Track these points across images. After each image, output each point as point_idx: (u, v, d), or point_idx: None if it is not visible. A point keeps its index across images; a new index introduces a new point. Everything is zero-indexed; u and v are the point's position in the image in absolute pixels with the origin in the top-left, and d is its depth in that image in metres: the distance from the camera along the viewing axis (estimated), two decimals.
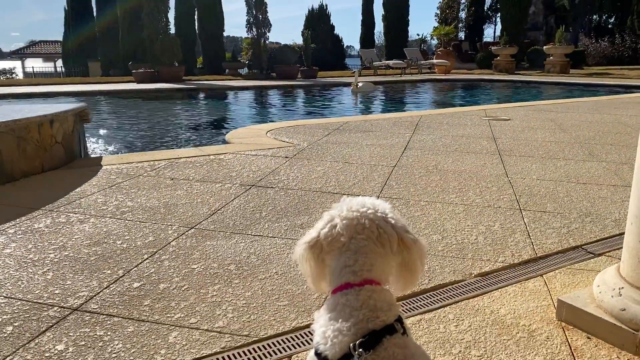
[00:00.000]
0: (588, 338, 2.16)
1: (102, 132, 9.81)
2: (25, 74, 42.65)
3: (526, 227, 3.49)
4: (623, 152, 5.95)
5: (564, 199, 4.14)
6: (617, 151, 6.03)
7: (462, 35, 37.24)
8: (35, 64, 46.39)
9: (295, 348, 2.11)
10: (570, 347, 2.10)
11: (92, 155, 6.82)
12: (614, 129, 7.66)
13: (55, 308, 2.41)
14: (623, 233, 2.31)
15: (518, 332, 2.21)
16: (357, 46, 38.54)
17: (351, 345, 1.10)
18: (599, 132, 7.36)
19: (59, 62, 40.66)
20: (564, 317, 2.29)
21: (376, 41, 39.71)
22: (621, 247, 2.28)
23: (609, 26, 33.08)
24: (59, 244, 3.19)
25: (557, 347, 2.10)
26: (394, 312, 1.20)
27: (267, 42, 26.38)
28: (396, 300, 1.25)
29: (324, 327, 1.18)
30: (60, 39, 37.53)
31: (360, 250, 1.19)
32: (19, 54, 52.47)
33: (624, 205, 3.92)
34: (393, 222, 1.23)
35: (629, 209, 2.18)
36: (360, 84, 16.90)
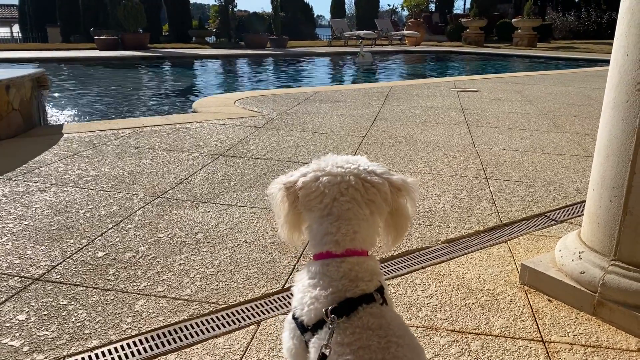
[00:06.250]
0: (549, 300, 2.24)
1: (63, 100, 9.44)
2: None
3: (492, 196, 3.56)
4: (586, 124, 6.10)
5: (528, 168, 4.23)
6: (580, 123, 6.17)
7: (432, 6, 37.08)
8: None
9: (264, 314, 2.11)
10: (532, 309, 2.17)
11: (53, 124, 6.57)
12: (577, 102, 7.82)
13: (16, 278, 2.34)
14: (584, 201, 2.37)
15: (483, 296, 2.27)
16: (328, 16, 38.02)
17: (324, 310, 1.09)
18: (564, 104, 7.51)
19: (16, 27, 38.69)
20: (527, 281, 2.36)
21: (347, 11, 39.14)
22: (582, 215, 2.35)
23: (576, 0, 33.51)
24: (18, 213, 3.08)
25: (519, 309, 2.17)
26: (375, 282, 1.16)
27: (235, 9, 25.70)
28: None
29: (302, 293, 1.16)
30: (17, 2, 35.63)
31: (342, 215, 1.14)
32: None
33: (586, 174, 4.03)
34: (377, 170, 1.19)
35: (591, 176, 2.23)
36: (364, 55, 17.24)
